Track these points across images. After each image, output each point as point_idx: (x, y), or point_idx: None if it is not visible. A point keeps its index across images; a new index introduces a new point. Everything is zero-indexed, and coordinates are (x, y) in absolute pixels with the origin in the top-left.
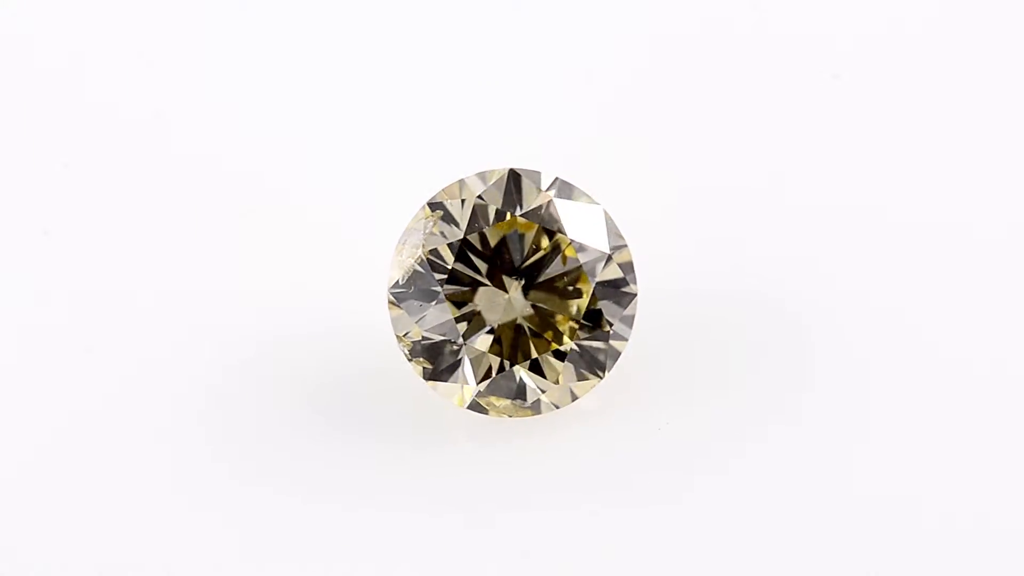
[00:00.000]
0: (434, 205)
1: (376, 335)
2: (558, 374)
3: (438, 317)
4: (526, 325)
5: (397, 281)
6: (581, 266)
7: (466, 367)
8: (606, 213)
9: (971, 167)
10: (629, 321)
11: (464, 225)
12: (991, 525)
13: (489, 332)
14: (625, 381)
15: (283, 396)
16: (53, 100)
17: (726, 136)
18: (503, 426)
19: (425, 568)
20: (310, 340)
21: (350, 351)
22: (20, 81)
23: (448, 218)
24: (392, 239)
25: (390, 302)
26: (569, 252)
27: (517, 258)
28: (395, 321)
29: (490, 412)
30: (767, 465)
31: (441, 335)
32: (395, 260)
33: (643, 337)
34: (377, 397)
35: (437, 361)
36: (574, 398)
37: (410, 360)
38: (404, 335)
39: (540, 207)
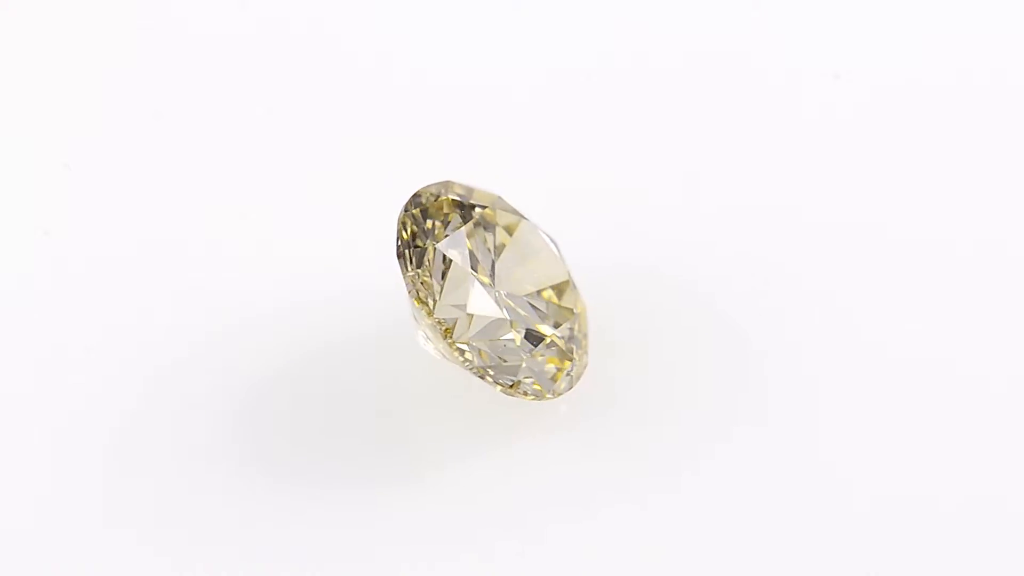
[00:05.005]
0: (410, 293)
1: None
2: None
3: (509, 348)
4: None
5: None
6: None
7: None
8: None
9: (913, 162)
10: (550, 386)
11: (440, 295)
12: (937, 509)
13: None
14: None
15: (283, 387)
16: (53, 100)
17: (667, 134)
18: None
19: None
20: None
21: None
22: (20, 81)
23: (428, 301)
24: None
25: (489, 383)
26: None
27: (488, 263)
28: (502, 392)
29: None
30: (731, 467)
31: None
32: (437, 358)
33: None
34: (378, 394)
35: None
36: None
37: (533, 396)
38: (513, 384)
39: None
